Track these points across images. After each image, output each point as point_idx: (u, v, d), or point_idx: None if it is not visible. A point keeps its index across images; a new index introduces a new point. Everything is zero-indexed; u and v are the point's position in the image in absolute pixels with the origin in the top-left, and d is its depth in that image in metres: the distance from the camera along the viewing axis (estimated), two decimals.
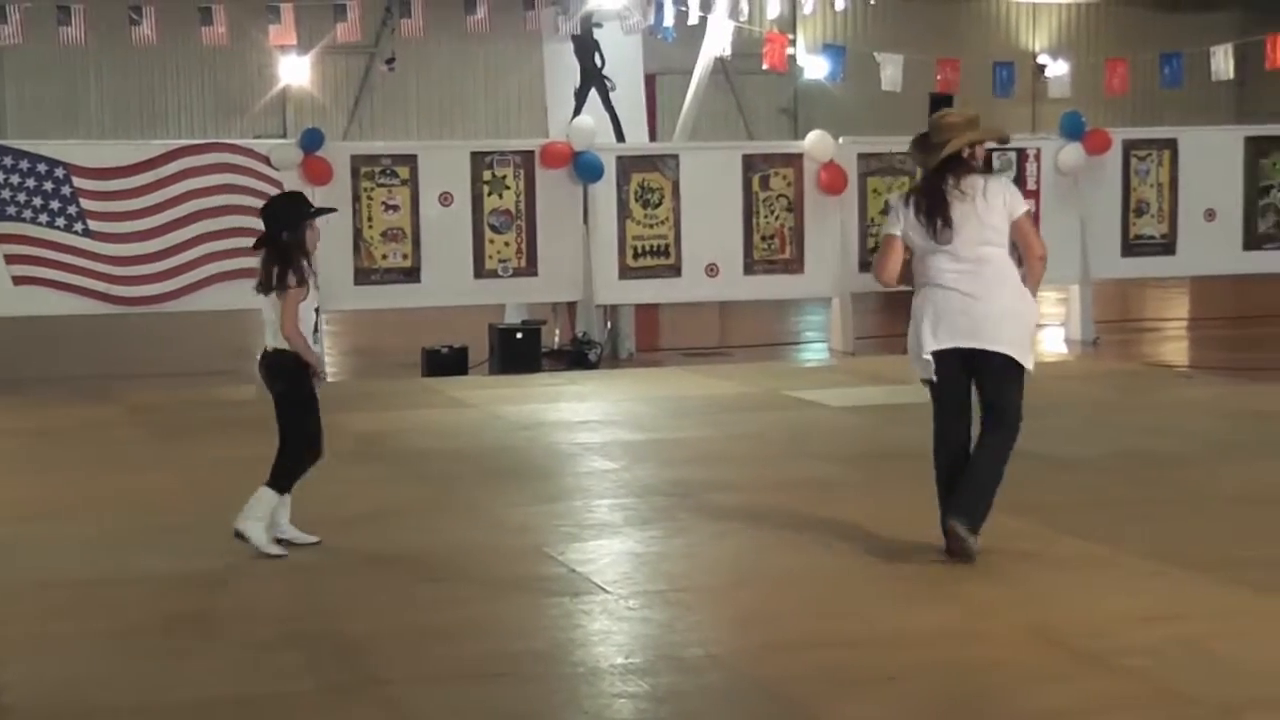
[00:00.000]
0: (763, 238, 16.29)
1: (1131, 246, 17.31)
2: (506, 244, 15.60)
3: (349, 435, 11.27)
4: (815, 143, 16.44)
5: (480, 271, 15.59)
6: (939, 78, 18.34)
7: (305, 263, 7.60)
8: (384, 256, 15.34)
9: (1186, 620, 6.38)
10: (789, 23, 28.42)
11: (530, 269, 15.71)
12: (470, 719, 5.51)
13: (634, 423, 11.66)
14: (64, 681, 5.85)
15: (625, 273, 15.94)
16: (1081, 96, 21.29)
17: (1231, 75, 19.22)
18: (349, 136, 29.10)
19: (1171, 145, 17.46)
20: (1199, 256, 17.58)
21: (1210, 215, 17.38)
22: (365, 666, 5.99)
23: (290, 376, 7.71)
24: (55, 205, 14.62)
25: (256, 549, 7.54)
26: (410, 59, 29.35)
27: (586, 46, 17.16)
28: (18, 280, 14.60)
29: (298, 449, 7.70)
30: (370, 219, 15.27)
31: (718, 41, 18.10)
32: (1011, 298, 7.22)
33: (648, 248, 15.97)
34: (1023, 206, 7.30)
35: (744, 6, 18.45)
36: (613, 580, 7.12)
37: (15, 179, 14.55)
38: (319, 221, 7.86)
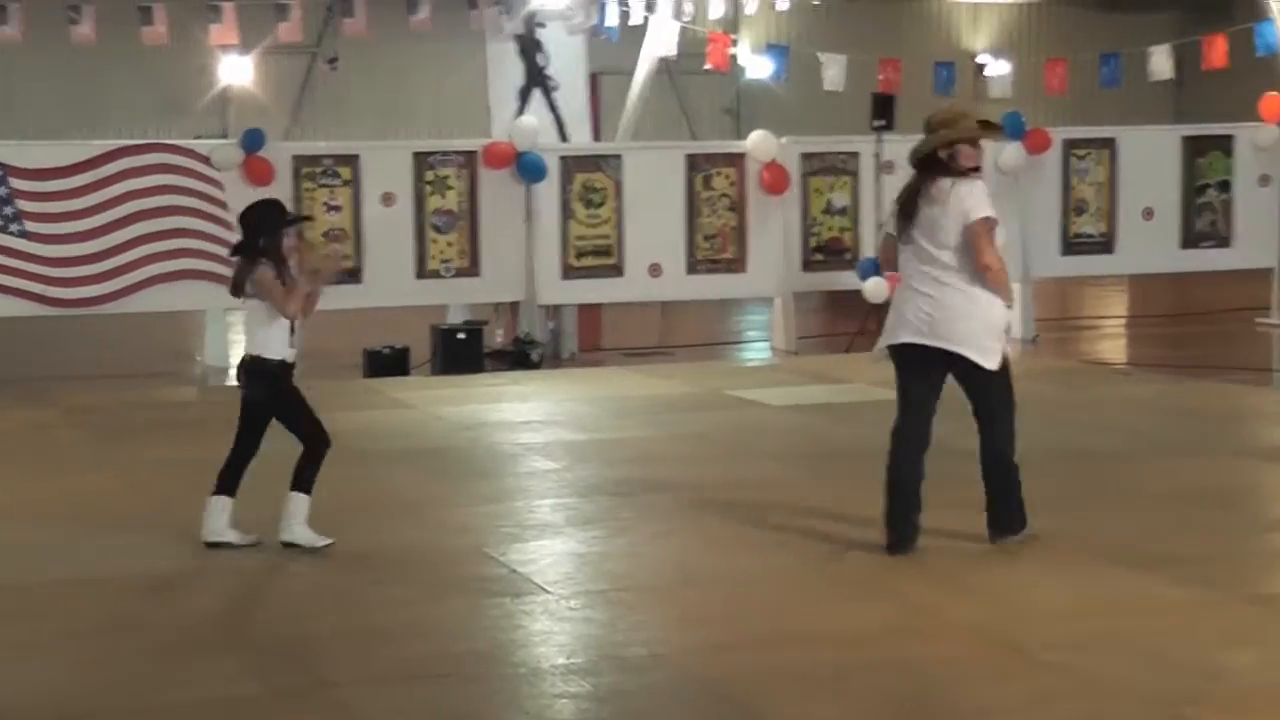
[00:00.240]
0: (705, 237, 16.33)
1: (1071, 245, 17.47)
2: (449, 244, 15.57)
3: (290, 437, 11.22)
4: (758, 143, 16.49)
5: (422, 272, 15.56)
6: (881, 78, 18.40)
7: (283, 269, 7.58)
8: (325, 257, 15.25)
9: (1120, 616, 6.45)
10: (732, 23, 28.46)
11: (473, 269, 15.68)
12: None
13: (576, 423, 11.67)
14: (10, 686, 5.81)
15: (568, 273, 15.95)
16: (1022, 96, 21.43)
17: (1169, 75, 19.38)
18: (291, 137, 28.83)
19: (1110, 145, 17.62)
20: (1137, 255, 17.75)
21: (1148, 214, 17.55)
22: (312, 669, 5.98)
23: (270, 382, 7.67)
24: None
25: (314, 546, 7.57)
26: (353, 59, 29.18)
27: (530, 46, 17.14)
28: None
29: (316, 444, 7.72)
30: (312, 219, 15.18)
31: (661, 41, 18.13)
32: (964, 299, 7.29)
33: (590, 248, 15.98)
34: (978, 214, 7.29)
35: (687, 7, 18.47)
36: (554, 580, 7.13)
37: None
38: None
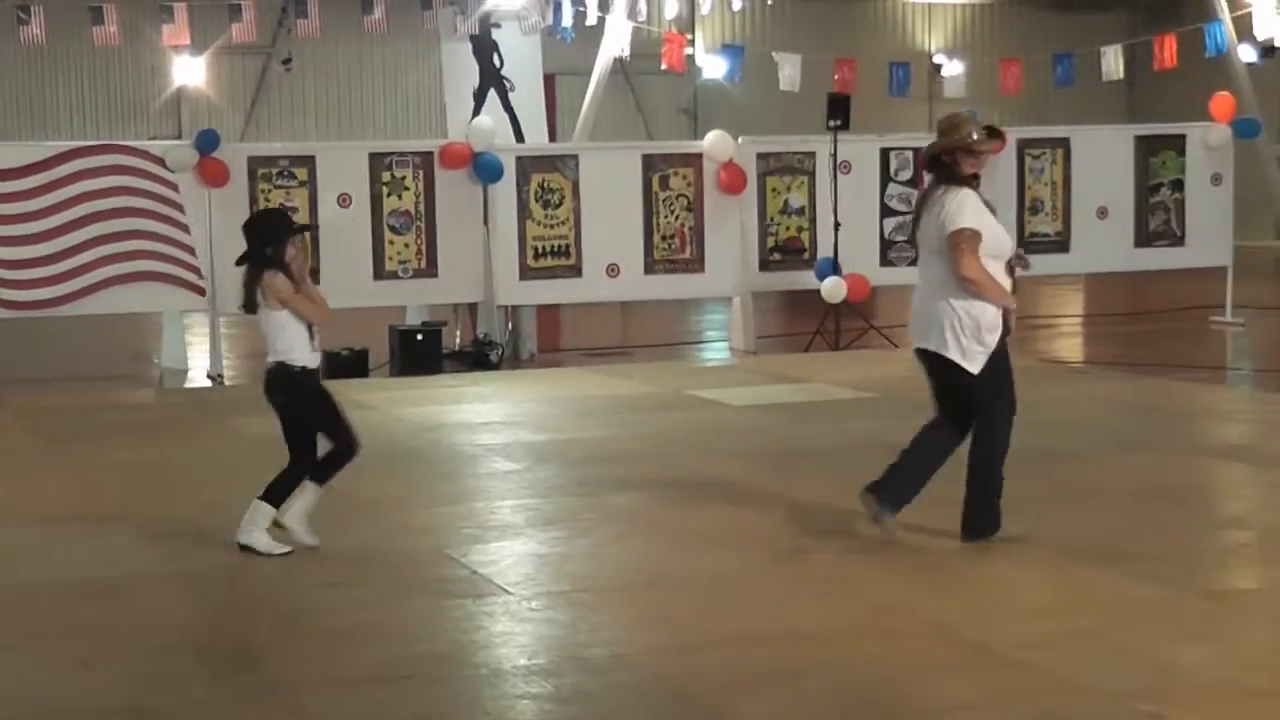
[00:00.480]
0: (663, 237, 16.34)
1: (1027, 244, 17.52)
2: (406, 245, 15.53)
3: (247, 440, 11.18)
4: (715, 143, 16.51)
5: (380, 273, 15.51)
6: (836, 77, 18.51)
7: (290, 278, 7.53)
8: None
9: (1080, 613, 6.49)
10: (687, 23, 28.53)
11: (430, 270, 15.65)
12: None
13: (536, 423, 11.66)
14: None
15: (526, 273, 15.93)
16: (976, 96, 21.61)
17: (1121, 75, 19.56)
18: (246, 138, 28.80)
19: (1065, 144, 17.73)
20: (1092, 254, 17.86)
21: (1103, 213, 17.66)
22: (268, 672, 5.96)
23: (291, 388, 7.63)
24: None
25: (269, 553, 7.54)
26: (307, 59, 29.13)
27: (485, 47, 17.12)
28: None
29: (299, 465, 7.63)
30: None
31: (616, 42, 18.16)
32: (947, 303, 7.41)
33: (548, 248, 15.97)
34: (956, 224, 7.35)
35: (642, 7, 18.52)
36: (515, 581, 7.12)
37: None
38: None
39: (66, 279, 14.62)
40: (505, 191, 15.78)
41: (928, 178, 7.80)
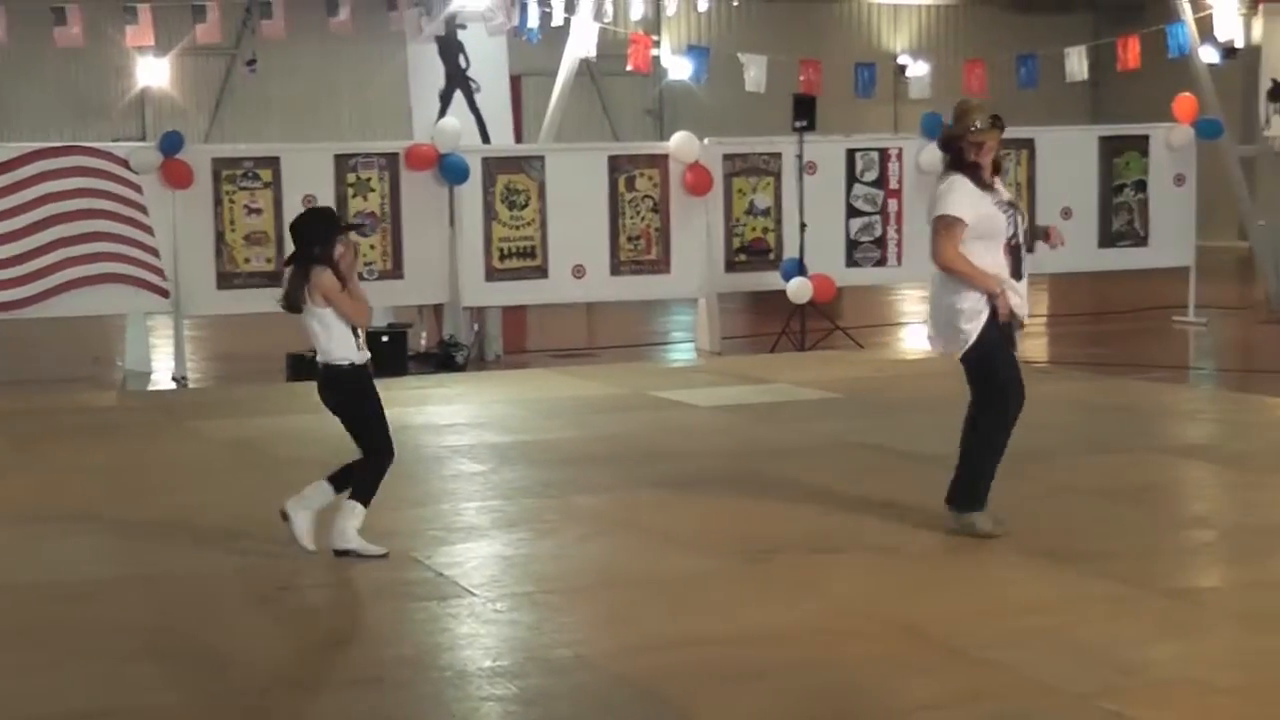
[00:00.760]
0: (629, 238, 16.34)
1: None
2: (372, 246, 15.48)
3: (214, 442, 11.15)
4: (680, 144, 16.52)
5: None
6: (802, 79, 18.51)
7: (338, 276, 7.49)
8: (247, 260, 15.15)
9: (1047, 612, 6.52)
10: (653, 24, 28.55)
11: (396, 271, 15.61)
12: None
13: (502, 425, 11.64)
14: None
15: (492, 275, 15.90)
16: (941, 97, 21.58)
17: (1085, 76, 19.62)
18: (210, 139, 28.67)
19: (1029, 145, 17.79)
20: (1057, 254, 17.66)
21: (1067, 214, 17.71)
22: (231, 677, 5.93)
23: (339, 387, 7.58)
24: None
25: (362, 555, 7.45)
26: (272, 60, 29.00)
27: (451, 48, 17.08)
28: None
29: (379, 455, 7.59)
30: (232, 222, 15.09)
31: (582, 43, 18.12)
32: (941, 289, 7.68)
33: (514, 249, 15.95)
34: (939, 210, 7.56)
35: (608, 8, 18.50)
36: (480, 583, 7.11)
37: None
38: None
39: (29, 281, 14.53)
40: (471, 193, 15.76)
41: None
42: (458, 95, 17.13)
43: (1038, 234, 8.02)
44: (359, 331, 7.61)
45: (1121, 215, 18.08)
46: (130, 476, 9.92)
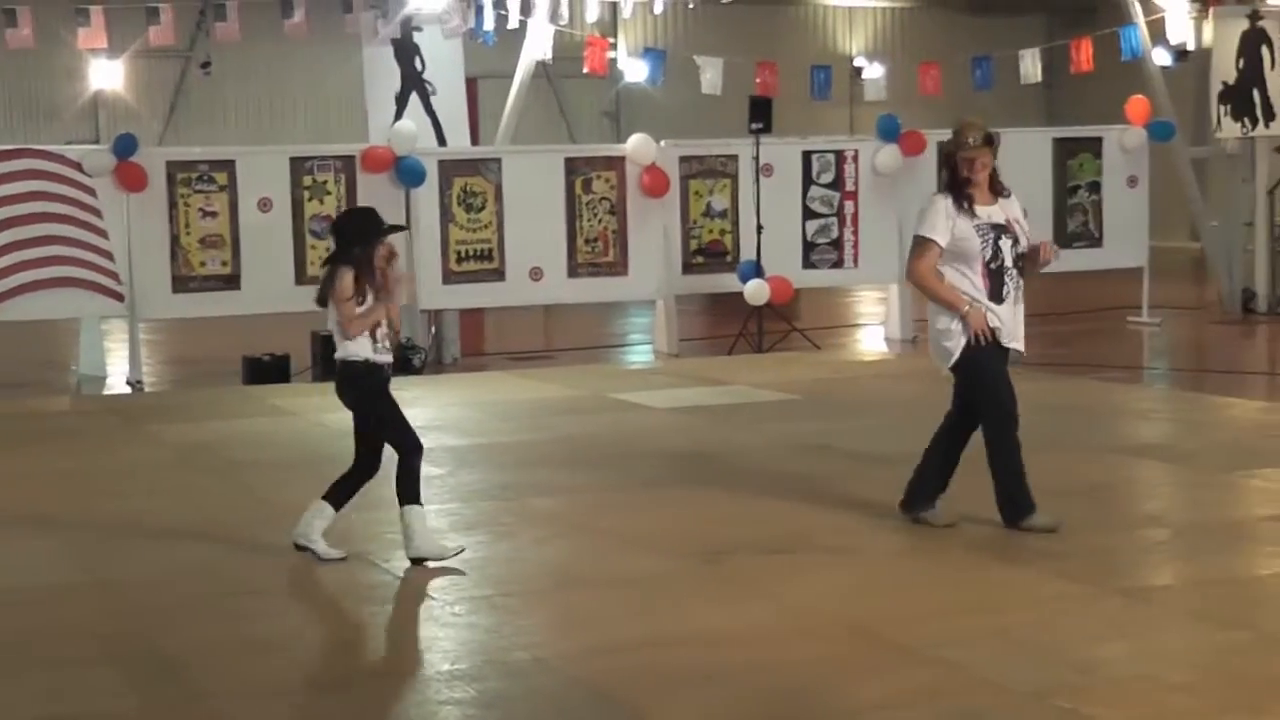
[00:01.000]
0: (586, 241, 16.34)
1: None
2: (328, 250, 15.38)
3: (168, 446, 11.10)
4: (637, 146, 16.53)
5: (302, 278, 15.38)
6: (758, 81, 18.54)
7: (374, 277, 7.42)
8: (202, 264, 15.09)
9: (1000, 610, 6.56)
10: (609, 26, 28.52)
11: None
12: None
13: (459, 428, 11.63)
14: None
15: (449, 277, 15.88)
16: (897, 99, 21.71)
17: (1039, 78, 19.73)
18: (164, 142, 28.50)
19: None
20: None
21: (1022, 214, 17.77)
22: (188, 682, 5.91)
23: (354, 385, 7.54)
24: None
25: (439, 559, 7.41)
26: (227, 63, 28.85)
27: (406, 50, 17.03)
28: None
29: (407, 450, 7.53)
30: (187, 226, 15.01)
31: (538, 45, 18.11)
32: (930, 308, 7.88)
33: (471, 252, 15.93)
34: (916, 230, 7.81)
35: (564, 10, 18.48)
36: (438, 586, 7.11)
37: None
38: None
39: None
40: (428, 195, 15.73)
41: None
42: (414, 98, 17.07)
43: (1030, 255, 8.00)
44: (381, 333, 7.53)
45: (1076, 216, 18.19)
46: (85, 481, 9.86)
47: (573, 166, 16.42)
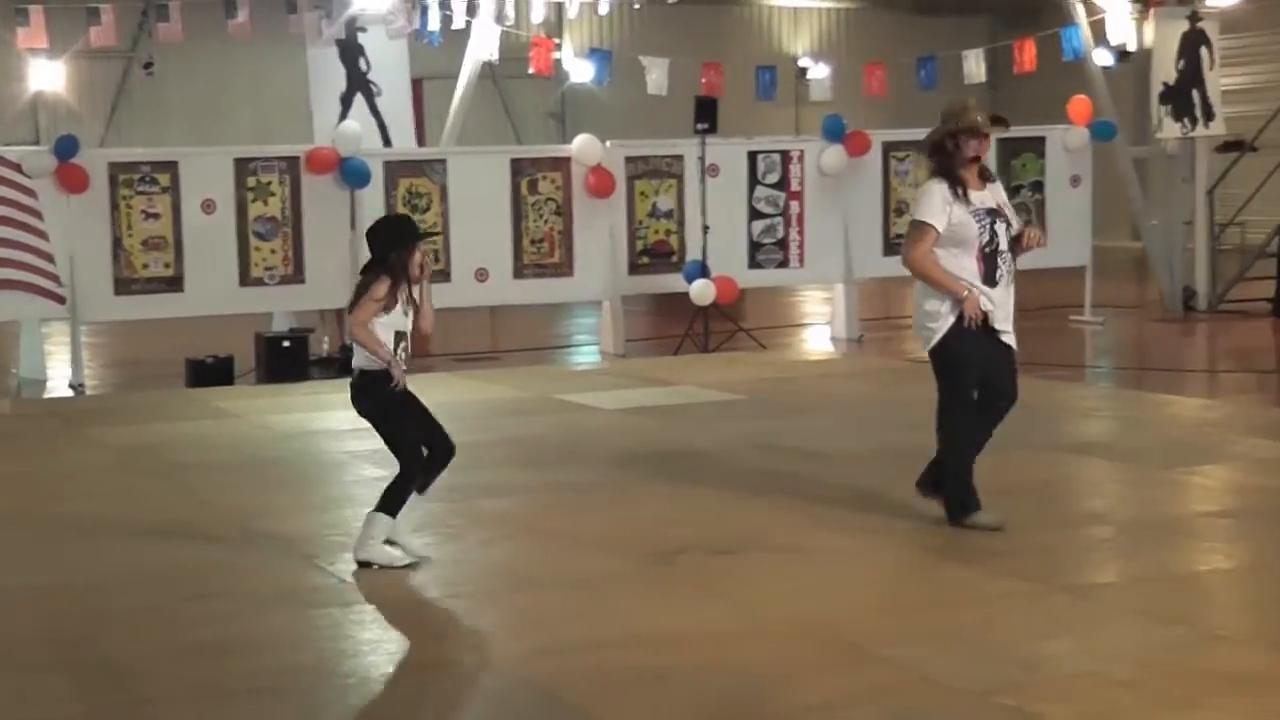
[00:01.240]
0: (532, 241, 16.32)
1: (893, 245, 17.72)
2: (273, 251, 15.36)
3: (110, 449, 11.01)
4: (583, 146, 16.53)
5: (246, 279, 15.32)
6: (703, 81, 18.59)
7: (406, 285, 7.39)
8: (145, 265, 14.97)
9: (946, 609, 6.59)
10: (555, 27, 28.54)
11: (297, 276, 15.49)
12: None
13: None
14: None
15: None
16: (842, 99, 21.79)
17: (984, 79, 19.85)
18: (106, 143, 28.26)
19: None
20: None
21: None
22: (134, 687, 5.86)
23: (369, 395, 7.49)
24: None
25: (389, 565, 7.34)
26: (170, 63, 28.65)
27: (351, 51, 16.99)
28: None
29: (408, 468, 7.46)
30: (130, 227, 14.89)
31: (483, 46, 18.09)
32: (916, 290, 7.94)
33: None
34: (913, 215, 7.85)
35: (509, 11, 18.47)
36: (383, 589, 7.08)
37: None
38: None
39: None
40: (373, 196, 15.67)
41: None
42: (358, 98, 17.03)
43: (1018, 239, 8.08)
44: (401, 342, 7.48)
45: (1020, 216, 18.23)
46: (27, 485, 9.77)
47: (518, 167, 16.40)
